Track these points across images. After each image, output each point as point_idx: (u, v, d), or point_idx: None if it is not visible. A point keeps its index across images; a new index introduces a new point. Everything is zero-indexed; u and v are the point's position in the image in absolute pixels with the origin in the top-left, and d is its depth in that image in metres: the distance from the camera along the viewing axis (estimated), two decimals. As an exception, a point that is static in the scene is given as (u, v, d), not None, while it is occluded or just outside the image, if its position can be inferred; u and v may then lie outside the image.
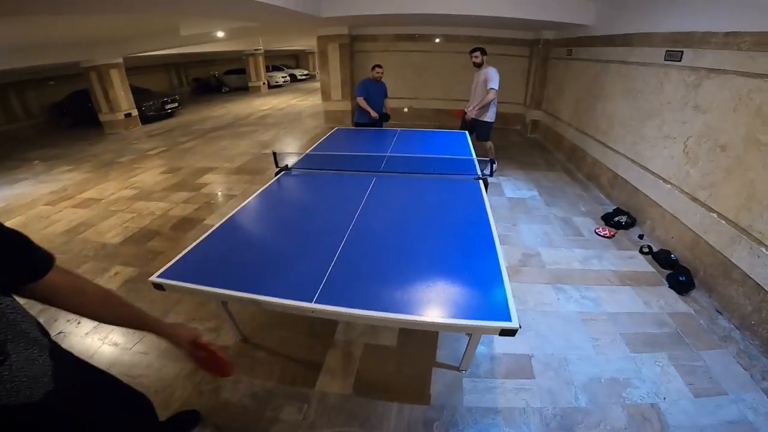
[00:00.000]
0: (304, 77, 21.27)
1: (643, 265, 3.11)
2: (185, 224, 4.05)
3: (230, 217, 2.31)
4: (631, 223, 3.67)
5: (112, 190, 5.22)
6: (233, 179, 5.44)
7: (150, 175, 5.81)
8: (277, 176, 2.94)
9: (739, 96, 2.58)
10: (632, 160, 3.88)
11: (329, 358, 2.23)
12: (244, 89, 16.47)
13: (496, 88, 4.37)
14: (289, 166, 3.07)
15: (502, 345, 2.28)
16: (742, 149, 2.54)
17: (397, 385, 2.06)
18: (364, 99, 4.62)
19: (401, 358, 2.23)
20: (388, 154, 3.32)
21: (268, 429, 1.84)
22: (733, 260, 2.52)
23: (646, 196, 3.58)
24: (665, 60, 3.39)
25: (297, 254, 1.91)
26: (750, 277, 2.37)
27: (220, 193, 4.96)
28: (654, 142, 3.53)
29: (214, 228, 2.18)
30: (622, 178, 4.05)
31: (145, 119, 9.76)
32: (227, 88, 16.94)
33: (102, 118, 8.97)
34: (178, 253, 1.99)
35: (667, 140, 3.33)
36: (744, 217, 2.48)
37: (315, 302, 1.53)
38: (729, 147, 2.65)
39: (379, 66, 4.73)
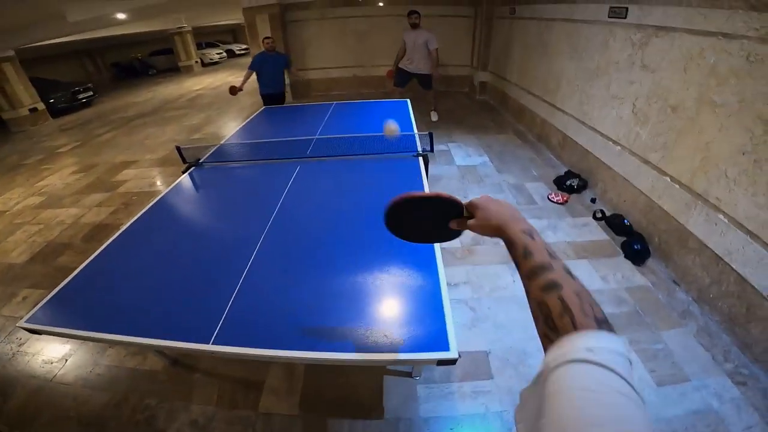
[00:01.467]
0: (242, 52, 19.60)
1: (598, 233, 3.00)
2: (99, 232, 3.56)
3: (118, 236, 1.88)
4: (583, 186, 3.56)
5: (17, 198, 4.54)
6: (156, 172, 4.84)
7: (60, 176, 5.10)
8: (185, 173, 2.47)
9: (690, 55, 2.39)
10: (581, 121, 3.72)
11: (270, 376, 2.01)
12: (174, 70, 14.98)
13: (438, 46, 5.04)
14: (201, 160, 2.59)
15: (457, 338, 2.06)
16: (694, 111, 2.37)
17: (346, 400, 1.89)
18: (256, 72, 4.76)
19: (349, 368, 1.99)
20: (316, 136, 2.87)
21: None
22: (688, 227, 2.40)
23: (597, 158, 3.45)
24: (609, 17, 3.16)
25: (196, 281, 1.52)
26: (707, 247, 2.25)
27: (140, 191, 4.37)
28: (602, 102, 3.36)
29: (96, 253, 1.74)
30: (571, 139, 3.91)
31: (56, 112, 8.76)
32: (154, 71, 15.40)
33: (4, 116, 7.90)
34: None
35: (615, 100, 3.15)
36: (699, 181, 2.35)
37: (212, 343, 1.20)
38: (680, 108, 2.49)
39: (269, 37, 4.85)
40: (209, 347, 1.20)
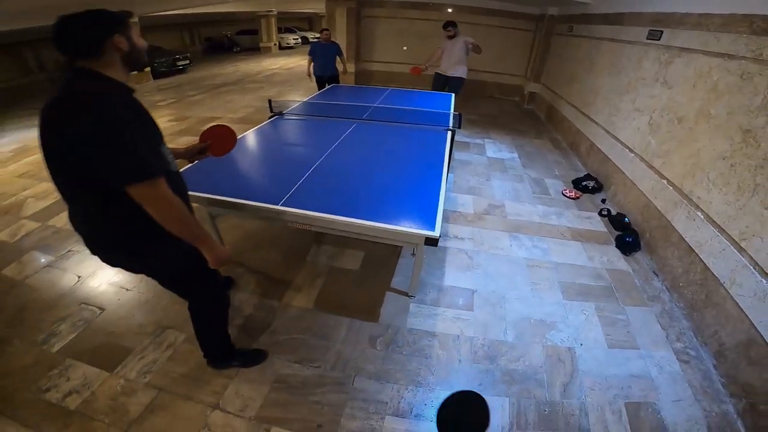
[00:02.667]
0: (316, 40, 20.98)
1: (598, 226, 3.38)
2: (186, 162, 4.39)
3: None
4: (598, 188, 3.94)
5: None
6: (235, 127, 5.61)
7: (159, 122, 6.00)
8: (270, 119, 3.24)
9: (700, 73, 2.76)
10: (607, 131, 4.09)
11: (298, 277, 2.51)
12: (255, 49, 16.45)
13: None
14: (283, 112, 3.36)
15: (451, 278, 2.58)
16: (694, 121, 2.75)
17: (352, 304, 2.32)
18: (310, 59, 5.55)
19: (360, 280, 2.52)
20: (374, 105, 3.59)
21: (234, 333, 2.05)
22: (673, 223, 2.76)
23: (614, 163, 3.82)
24: (647, 39, 3.52)
25: (274, 173, 2.27)
26: (684, 240, 2.59)
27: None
28: (626, 114, 3.74)
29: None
30: (597, 147, 4.28)
31: (157, 75, 10.07)
32: (238, 48, 16.92)
33: None
34: None
35: (637, 113, 3.53)
36: (687, 183, 2.71)
37: (280, 205, 1.88)
38: (684, 119, 2.87)
39: (326, 29, 5.66)
40: (278, 207, 1.88)
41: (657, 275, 2.78)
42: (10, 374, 1.90)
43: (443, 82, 5.54)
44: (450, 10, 7.69)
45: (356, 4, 7.60)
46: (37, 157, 4.65)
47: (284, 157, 2.56)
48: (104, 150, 1.01)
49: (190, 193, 1.98)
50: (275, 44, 16.43)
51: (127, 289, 2.42)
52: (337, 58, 5.64)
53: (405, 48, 7.83)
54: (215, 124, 1.66)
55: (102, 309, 2.26)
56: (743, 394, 1.86)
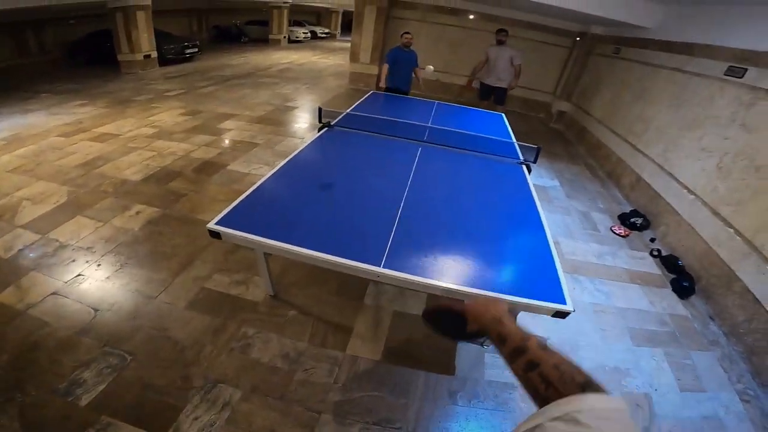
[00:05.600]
0: (324, 35, 20.61)
1: (652, 267, 3.24)
2: (208, 167, 4.01)
3: (280, 168, 2.32)
4: (646, 226, 3.76)
5: (130, 126, 5.10)
6: (255, 128, 5.41)
7: (169, 115, 5.70)
8: (320, 132, 2.95)
9: (788, 121, 2.61)
10: (660, 166, 3.91)
11: (359, 323, 2.26)
12: (263, 41, 15.98)
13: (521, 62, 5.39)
14: (332, 123, 3.07)
15: (523, 324, 2.36)
16: (775, 173, 2.60)
17: (423, 355, 2.13)
18: (389, 67, 4.70)
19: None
20: (429, 125, 3.32)
21: (299, 391, 1.84)
22: (738, 274, 2.65)
23: (667, 203, 3.65)
24: (725, 74, 3.32)
25: (357, 216, 1.95)
26: (749, 291, 2.52)
27: (242, 140, 4.91)
28: (688, 152, 3.56)
29: (264, 178, 2.18)
30: (645, 181, 4.10)
31: (164, 61, 9.61)
32: (246, 38, 16.43)
33: (121, 57, 8.75)
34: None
35: (704, 153, 3.35)
36: (760, 237, 2.58)
37: (383, 267, 1.56)
38: (764, 169, 2.70)
39: (407, 33, 4.79)
40: (379, 269, 1.54)
41: (713, 320, 2.73)
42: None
43: (489, 92, 5.60)
44: (471, 17, 7.46)
45: (387, 3, 7.30)
46: (33, 148, 4.22)
47: (362, 189, 2.23)
48: None
49: (250, 237, 1.65)
50: (285, 37, 15.98)
51: (158, 331, 2.09)
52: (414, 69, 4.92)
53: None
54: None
55: (131, 354, 1.93)
56: None
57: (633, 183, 4.37)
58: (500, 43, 5.28)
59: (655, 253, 3.38)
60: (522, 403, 1.92)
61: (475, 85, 5.81)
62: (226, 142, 4.83)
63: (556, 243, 3.31)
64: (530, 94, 7.62)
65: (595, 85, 6.15)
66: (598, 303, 2.71)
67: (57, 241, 2.71)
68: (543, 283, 1.60)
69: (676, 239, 3.40)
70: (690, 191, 3.41)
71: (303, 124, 5.87)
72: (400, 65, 4.73)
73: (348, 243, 1.70)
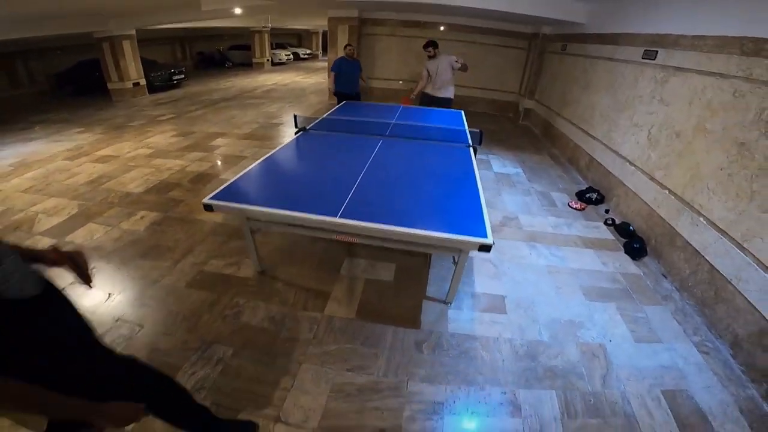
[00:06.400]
0: (306, 56, 21.46)
1: (606, 234, 3.61)
2: (203, 178, 4.42)
3: (259, 162, 2.75)
4: (600, 200, 4.19)
5: (128, 149, 5.49)
6: (244, 143, 5.84)
7: (163, 137, 6.10)
8: (297, 134, 3.37)
9: (694, 91, 3.05)
10: (606, 146, 4.38)
11: (335, 289, 2.61)
12: (247, 65, 16.68)
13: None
14: (307, 128, 3.50)
15: (481, 285, 2.73)
16: (691, 136, 3.02)
17: (393, 313, 2.44)
18: (335, 74, 5.57)
19: (397, 291, 2.64)
20: (393, 121, 3.77)
21: (283, 346, 2.15)
22: (677, 229, 2.99)
23: (615, 176, 4.09)
24: (642, 58, 3.84)
25: (322, 187, 2.39)
26: (690, 244, 2.83)
27: (232, 154, 5.34)
28: (625, 129, 4.02)
29: (246, 169, 2.61)
30: (597, 161, 4.56)
31: (152, 89, 10.04)
32: (230, 63, 17.14)
33: (111, 86, 9.22)
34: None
35: (635, 128, 3.82)
36: (689, 192, 2.96)
37: (339, 217, 2.00)
38: (682, 134, 3.14)
39: (350, 45, 5.70)
40: (336, 219, 1.99)
41: (666, 277, 3.00)
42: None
43: (428, 103, 5.49)
44: (442, 28, 8.03)
45: (358, 21, 7.88)
46: (41, 171, 4.60)
47: (326, 170, 2.70)
48: None
49: (236, 205, 2.11)
50: (268, 60, 16.64)
51: (162, 306, 2.43)
52: (361, 75, 5.77)
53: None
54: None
55: (140, 326, 2.26)
56: (764, 379, 2.05)
57: (587, 163, 4.82)
58: (430, 57, 5.22)
59: (609, 222, 3.77)
60: (483, 352, 2.19)
61: (412, 97, 5.71)
62: (218, 156, 5.24)
63: (515, 218, 3.73)
64: (499, 96, 8.17)
65: (551, 81, 6.69)
66: (552, 265, 3.04)
67: (72, 243, 3.06)
68: (472, 225, 2.00)
69: (626, 207, 3.81)
70: (630, 163, 3.84)
71: (287, 137, 6.28)
72: (345, 72, 5.54)
73: (312, 204, 2.14)
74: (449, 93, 5.44)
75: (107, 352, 1.23)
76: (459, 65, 5.04)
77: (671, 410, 1.92)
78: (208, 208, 2.14)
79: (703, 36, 3.03)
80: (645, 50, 3.80)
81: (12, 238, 3.03)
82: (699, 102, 2.99)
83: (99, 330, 2.16)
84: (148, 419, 1.35)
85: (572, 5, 5.27)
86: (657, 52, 3.61)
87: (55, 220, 3.42)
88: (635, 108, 3.88)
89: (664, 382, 2.08)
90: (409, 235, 1.90)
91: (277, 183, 2.48)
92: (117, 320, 2.30)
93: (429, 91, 5.50)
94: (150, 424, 1.69)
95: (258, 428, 1.72)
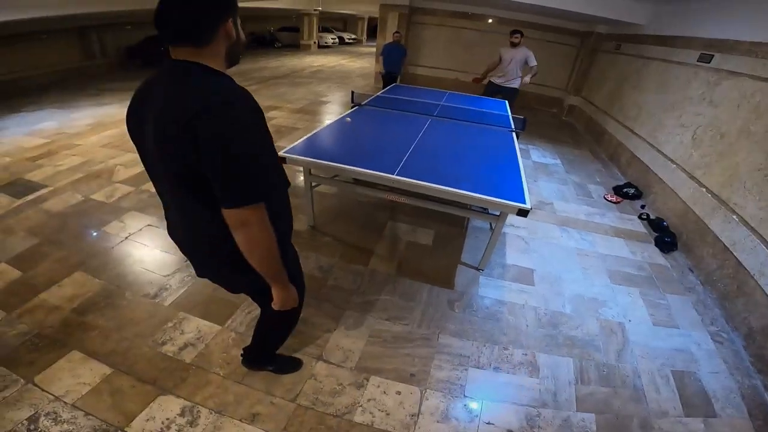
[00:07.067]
0: (351, 41, 21.79)
1: (639, 227, 3.71)
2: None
3: (322, 128, 3.10)
4: (638, 196, 4.27)
5: None
6: (296, 116, 6.26)
7: None
8: (352, 109, 3.69)
9: (744, 95, 3.11)
10: (650, 144, 4.43)
11: (379, 247, 2.87)
12: (294, 46, 17.16)
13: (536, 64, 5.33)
14: (362, 104, 3.81)
15: (512, 258, 2.95)
16: (735, 137, 3.09)
17: (429, 273, 2.66)
18: (383, 58, 6.44)
19: (434, 254, 2.89)
20: (441, 103, 4.03)
21: (329, 293, 2.37)
22: (710, 226, 3.08)
23: (655, 174, 4.16)
24: (697, 61, 3.86)
25: (380, 150, 2.70)
26: (719, 240, 2.92)
27: (286, 125, 5.77)
28: (671, 129, 4.08)
29: (311, 132, 2.95)
30: (638, 158, 4.62)
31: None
32: (279, 44, 17.66)
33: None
34: None
35: (682, 128, 3.87)
36: (725, 191, 3.04)
37: (396, 174, 2.30)
38: (726, 135, 3.21)
39: (398, 32, 6.63)
40: (393, 176, 2.27)
41: (692, 271, 3.09)
42: (124, 326, 2.06)
43: (494, 92, 5.60)
44: (490, 21, 8.07)
45: (408, 10, 8.08)
46: (117, 131, 5.02)
47: (382, 138, 3.01)
48: (230, 163, 0.88)
49: (305, 158, 2.41)
50: (314, 42, 17.08)
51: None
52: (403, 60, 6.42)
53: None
54: None
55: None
56: None
57: (629, 160, 4.88)
58: (514, 44, 5.28)
59: (644, 216, 3.85)
60: (509, 316, 2.37)
61: (484, 82, 5.88)
62: (273, 127, 5.66)
63: (550, 204, 3.91)
64: (544, 91, 8.15)
65: (601, 79, 6.66)
66: (582, 248, 3.20)
67: (149, 191, 3.46)
68: (512, 191, 2.25)
69: (663, 205, 3.89)
70: (672, 161, 3.92)
71: (335, 114, 6.66)
72: (391, 56, 6.34)
73: (371, 162, 2.43)
74: (515, 83, 5.49)
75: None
76: (534, 66, 5.17)
77: (677, 389, 2.04)
78: (282, 160, 2.44)
79: (761, 43, 3.07)
80: (701, 53, 3.82)
81: (94, 185, 3.55)
82: (747, 105, 3.06)
83: (167, 269, 2.52)
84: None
85: (633, 6, 5.25)
86: (713, 56, 3.64)
87: (131, 172, 3.86)
88: (684, 109, 3.93)
89: (675, 363, 2.20)
90: (457, 194, 2.16)
91: (338, 145, 2.81)
92: (185, 261, 2.69)
93: (495, 80, 5.60)
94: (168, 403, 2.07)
95: (302, 364, 1.92)
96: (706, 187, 3.29)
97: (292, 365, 1.90)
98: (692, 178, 3.52)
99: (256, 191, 0.93)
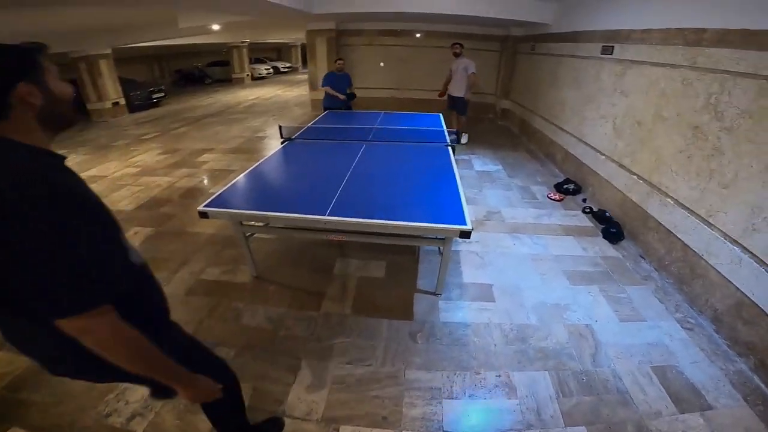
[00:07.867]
0: (286, 69, 21.65)
1: (584, 221, 3.81)
2: (193, 193, 4.49)
3: (248, 172, 2.87)
4: (578, 190, 4.42)
5: (115, 168, 5.48)
6: (230, 158, 5.92)
7: (149, 155, 6.11)
8: (283, 145, 3.50)
9: (649, 82, 3.30)
10: (578, 138, 4.63)
11: (330, 289, 2.72)
12: (227, 81, 16.74)
13: (476, 72, 5.78)
14: (293, 138, 3.63)
15: (469, 276, 2.87)
16: (651, 123, 3.26)
17: (386, 307, 2.54)
18: (330, 87, 5.66)
19: (389, 286, 2.76)
20: (375, 126, 3.95)
21: (283, 345, 2.23)
22: (648, 211, 3.19)
23: (588, 167, 4.33)
24: (601, 54, 4.11)
25: (311, 189, 2.54)
26: (661, 224, 3.01)
27: (220, 169, 5.41)
28: (593, 122, 4.28)
29: (236, 179, 2.72)
30: (571, 154, 4.81)
31: (132, 108, 9.95)
32: (210, 80, 17.15)
33: (90, 106, 9.09)
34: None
35: (602, 120, 4.07)
36: (655, 176, 3.18)
37: (327, 215, 2.14)
38: (643, 122, 3.38)
39: (340, 59, 5.97)
40: (325, 217, 2.11)
41: (644, 258, 3.15)
42: (63, 401, 1.90)
43: (451, 104, 6.01)
44: (418, 35, 8.25)
45: (335, 33, 8.07)
46: None
47: (313, 175, 2.84)
48: (35, 265, 0.70)
49: (229, 210, 2.20)
50: (248, 75, 16.76)
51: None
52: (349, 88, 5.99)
53: (382, 64, 8.29)
54: None
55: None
56: (749, 352, 2.13)
57: (563, 157, 5.07)
58: (456, 55, 5.75)
59: (587, 210, 3.97)
60: (475, 338, 2.30)
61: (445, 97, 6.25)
62: (205, 172, 5.31)
63: (498, 212, 3.92)
64: (479, 98, 8.39)
65: (524, 81, 6.99)
66: (536, 253, 3.20)
67: None
68: (451, 214, 2.16)
69: (601, 195, 4.03)
70: (601, 153, 4.08)
71: (272, 149, 6.38)
72: (334, 86, 5.72)
73: (301, 205, 2.28)
74: (461, 92, 5.87)
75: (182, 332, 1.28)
76: (471, 74, 5.60)
77: (663, 386, 1.99)
78: (203, 215, 2.23)
79: (650, 29, 3.29)
80: (603, 46, 4.07)
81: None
82: (654, 91, 3.23)
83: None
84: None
85: (538, 6, 5.59)
86: (613, 47, 3.88)
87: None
88: (599, 101, 4.14)
89: (653, 359, 2.17)
90: (394, 226, 2.05)
91: (266, 189, 2.61)
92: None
93: (450, 91, 6.02)
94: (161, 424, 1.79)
95: (284, 424, 1.77)
96: (637, 174, 3.43)
97: (276, 428, 1.74)
98: (622, 167, 3.67)
99: (90, 294, 0.75)
